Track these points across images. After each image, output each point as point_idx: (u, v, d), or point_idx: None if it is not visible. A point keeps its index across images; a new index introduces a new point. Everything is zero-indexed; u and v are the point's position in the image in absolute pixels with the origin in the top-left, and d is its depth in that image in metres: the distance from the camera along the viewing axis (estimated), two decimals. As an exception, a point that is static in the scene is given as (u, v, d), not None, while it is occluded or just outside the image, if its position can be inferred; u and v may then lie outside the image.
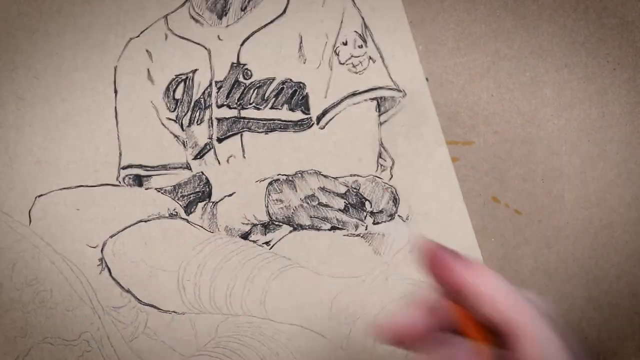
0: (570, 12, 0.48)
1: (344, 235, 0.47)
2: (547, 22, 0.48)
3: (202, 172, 0.47)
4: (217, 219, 0.47)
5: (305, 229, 0.47)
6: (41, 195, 0.47)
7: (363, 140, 0.48)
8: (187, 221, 0.47)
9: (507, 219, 0.48)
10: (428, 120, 0.48)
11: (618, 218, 0.48)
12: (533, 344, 0.31)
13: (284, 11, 0.48)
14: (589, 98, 0.48)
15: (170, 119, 0.47)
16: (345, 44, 0.48)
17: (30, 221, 0.46)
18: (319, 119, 0.48)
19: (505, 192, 0.48)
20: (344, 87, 0.48)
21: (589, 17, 0.48)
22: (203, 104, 0.48)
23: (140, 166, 0.47)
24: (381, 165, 0.48)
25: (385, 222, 0.48)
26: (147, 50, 0.48)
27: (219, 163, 0.47)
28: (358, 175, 0.48)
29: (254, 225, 0.47)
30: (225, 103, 0.48)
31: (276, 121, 0.48)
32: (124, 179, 0.47)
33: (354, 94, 0.48)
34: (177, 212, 0.47)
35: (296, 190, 0.47)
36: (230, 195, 0.47)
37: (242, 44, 0.48)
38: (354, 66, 0.48)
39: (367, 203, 0.48)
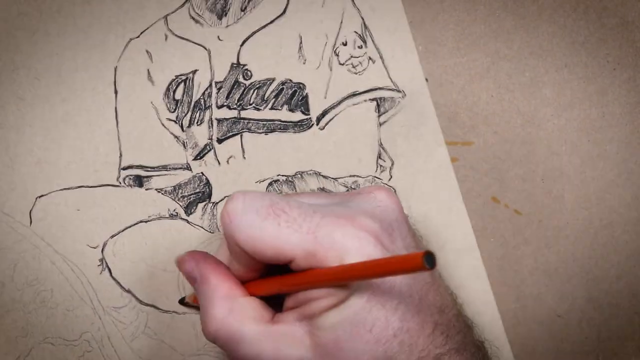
0: (570, 12, 0.48)
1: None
2: (547, 22, 0.48)
3: (202, 173, 0.47)
4: (218, 219, 0.47)
5: (305, 229, 0.47)
6: (42, 195, 0.47)
7: (363, 140, 0.48)
8: (188, 222, 0.47)
9: (506, 219, 0.48)
10: (428, 121, 0.48)
11: (618, 218, 0.48)
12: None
13: (284, 11, 0.48)
14: (589, 98, 0.48)
15: (170, 120, 0.48)
16: (345, 44, 0.48)
17: (31, 222, 0.46)
18: (318, 119, 0.48)
19: (505, 193, 0.48)
20: (343, 88, 0.48)
21: (589, 17, 0.48)
22: (203, 105, 0.48)
23: (140, 167, 0.47)
24: (380, 165, 0.48)
25: (385, 222, 0.48)
26: (147, 51, 0.48)
27: (219, 164, 0.47)
28: (357, 176, 0.48)
29: (254, 225, 0.47)
30: (225, 104, 0.48)
31: (276, 122, 0.48)
32: (124, 179, 0.47)
33: (353, 95, 0.48)
34: (177, 213, 0.47)
35: (296, 191, 0.47)
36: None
37: (242, 45, 0.48)
38: (353, 67, 0.48)
39: (367, 203, 0.48)
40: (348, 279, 0.34)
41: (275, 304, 0.39)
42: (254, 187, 0.47)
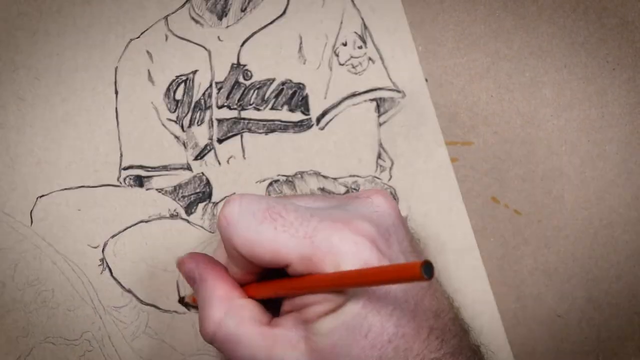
0: (570, 13, 0.48)
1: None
2: (546, 22, 0.48)
3: (202, 173, 0.47)
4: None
5: (305, 229, 0.47)
6: (42, 195, 0.47)
7: (363, 141, 0.48)
8: (188, 222, 0.47)
9: (506, 219, 0.48)
10: (427, 121, 0.48)
11: (618, 218, 0.48)
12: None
13: (284, 12, 0.48)
14: (589, 98, 0.48)
15: (170, 120, 0.48)
16: (344, 44, 0.48)
17: (31, 222, 0.47)
18: (318, 119, 0.48)
19: (505, 193, 0.48)
20: (343, 88, 0.48)
21: (589, 17, 0.48)
22: (203, 105, 0.48)
23: (141, 167, 0.47)
24: (380, 165, 0.48)
25: (385, 222, 0.48)
26: (147, 51, 0.48)
27: (220, 164, 0.48)
28: (357, 176, 0.48)
29: (254, 225, 0.47)
30: (225, 104, 0.48)
31: (276, 122, 0.48)
32: (124, 179, 0.47)
33: (353, 95, 0.48)
34: (177, 213, 0.47)
35: (296, 191, 0.47)
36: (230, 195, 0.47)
37: (242, 45, 0.48)
38: (353, 67, 0.48)
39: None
40: (345, 285, 0.34)
41: (273, 307, 0.39)
42: (254, 187, 0.47)
